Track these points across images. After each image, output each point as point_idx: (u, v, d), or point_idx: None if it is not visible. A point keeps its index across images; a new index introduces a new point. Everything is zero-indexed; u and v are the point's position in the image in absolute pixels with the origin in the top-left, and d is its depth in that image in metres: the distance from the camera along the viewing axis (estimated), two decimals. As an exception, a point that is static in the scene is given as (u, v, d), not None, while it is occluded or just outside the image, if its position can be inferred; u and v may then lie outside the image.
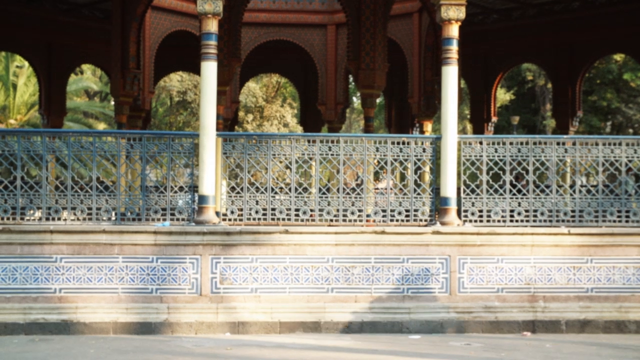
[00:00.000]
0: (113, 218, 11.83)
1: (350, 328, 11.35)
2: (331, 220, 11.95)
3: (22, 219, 11.59)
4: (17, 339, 10.60)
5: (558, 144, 12.24)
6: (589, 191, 12.32)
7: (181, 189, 12.00)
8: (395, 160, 12.15)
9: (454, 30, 12.02)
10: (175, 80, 40.35)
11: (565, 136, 13.47)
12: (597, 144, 12.24)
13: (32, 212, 11.78)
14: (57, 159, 12.60)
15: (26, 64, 32.80)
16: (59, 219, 11.63)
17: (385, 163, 12.09)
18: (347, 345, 10.55)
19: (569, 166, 12.66)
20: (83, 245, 11.16)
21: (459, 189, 12.12)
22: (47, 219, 11.57)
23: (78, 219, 11.72)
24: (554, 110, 23.71)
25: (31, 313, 10.99)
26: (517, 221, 12.02)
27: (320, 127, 26.66)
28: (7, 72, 36.09)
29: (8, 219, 11.48)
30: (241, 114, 38.92)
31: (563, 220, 12.08)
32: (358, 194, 12.06)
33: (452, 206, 11.89)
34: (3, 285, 11.01)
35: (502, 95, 38.59)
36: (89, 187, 11.74)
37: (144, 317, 11.17)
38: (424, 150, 12.14)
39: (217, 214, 11.81)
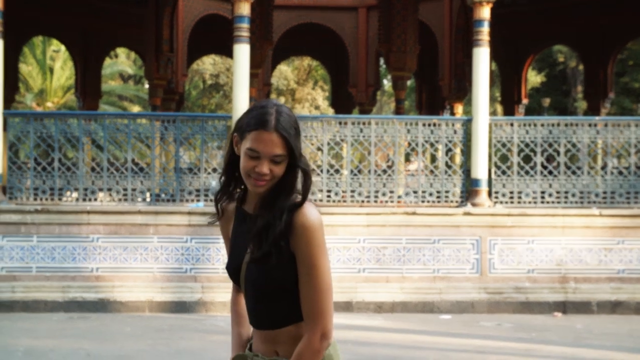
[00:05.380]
0: (148, 199, 12.04)
1: (381, 308, 11.48)
2: (362, 202, 12.06)
3: (59, 199, 11.83)
4: (57, 317, 10.87)
5: (590, 125, 12.24)
6: (620, 173, 12.31)
7: (214, 170, 12.15)
8: (426, 142, 12.21)
9: (485, 12, 12.00)
10: (208, 64, 40.53)
11: (597, 117, 13.44)
12: (629, 126, 12.22)
13: (69, 193, 12.03)
14: (93, 141, 12.81)
15: (62, 48, 33.15)
16: (95, 199, 11.86)
17: (417, 145, 12.16)
18: (378, 324, 10.69)
19: (600, 148, 12.64)
20: (119, 226, 11.38)
21: (489, 170, 12.16)
22: (84, 199, 11.80)
23: (114, 200, 11.94)
24: (585, 92, 23.52)
25: (69, 291, 11.25)
26: (548, 203, 12.05)
27: (351, 109, 26.63)
28: (44, 56, 36.54)
29: (47, 199, 11.72)
30: (273, 96, 39.05)
31: (594, 202, 12.09)
32: (389, 175, 12.16)
33: (483, 188, 11.93)
34: (43, 264, 11.27)
35: (533, 77, 38.29)
36: (124, 169, 11.94)
37: (179, 296, 11.38)
38: (454, 132, 12.20)
39: (250, 195, 11.95)
